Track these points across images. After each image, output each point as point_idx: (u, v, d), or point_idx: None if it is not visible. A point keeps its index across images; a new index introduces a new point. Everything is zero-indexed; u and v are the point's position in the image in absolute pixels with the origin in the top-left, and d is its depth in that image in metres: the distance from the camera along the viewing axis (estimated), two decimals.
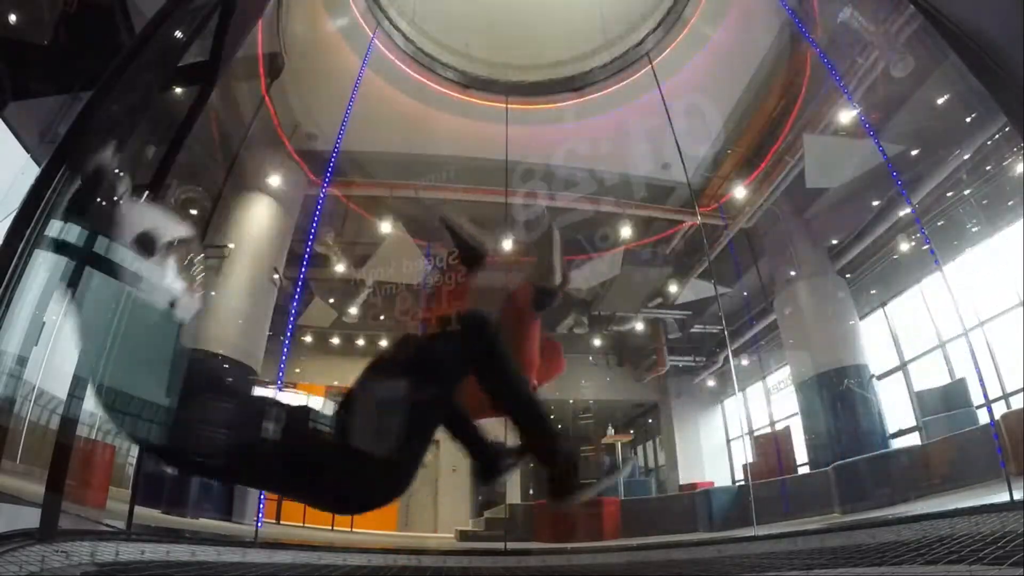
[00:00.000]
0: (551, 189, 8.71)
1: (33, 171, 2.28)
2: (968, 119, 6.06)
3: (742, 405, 11.87)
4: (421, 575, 3.07)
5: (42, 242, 2.17)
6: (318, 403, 1.43)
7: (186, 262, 1.45)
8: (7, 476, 2.90)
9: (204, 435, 1.25)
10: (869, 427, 7.30)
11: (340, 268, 9.83)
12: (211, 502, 6.90)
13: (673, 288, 10.94)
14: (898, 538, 2.51)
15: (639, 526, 6.87)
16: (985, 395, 5.34)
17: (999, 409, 5.86)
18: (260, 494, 5.93)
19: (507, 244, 9.39)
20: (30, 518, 2.32)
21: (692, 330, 12.26)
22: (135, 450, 5.56)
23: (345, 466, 1.35)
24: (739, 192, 8.91)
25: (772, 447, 8.48)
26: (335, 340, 11.55)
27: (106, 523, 3.48)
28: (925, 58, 5.89)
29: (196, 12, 2.98)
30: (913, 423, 7.14)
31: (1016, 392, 6.07)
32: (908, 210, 6.86)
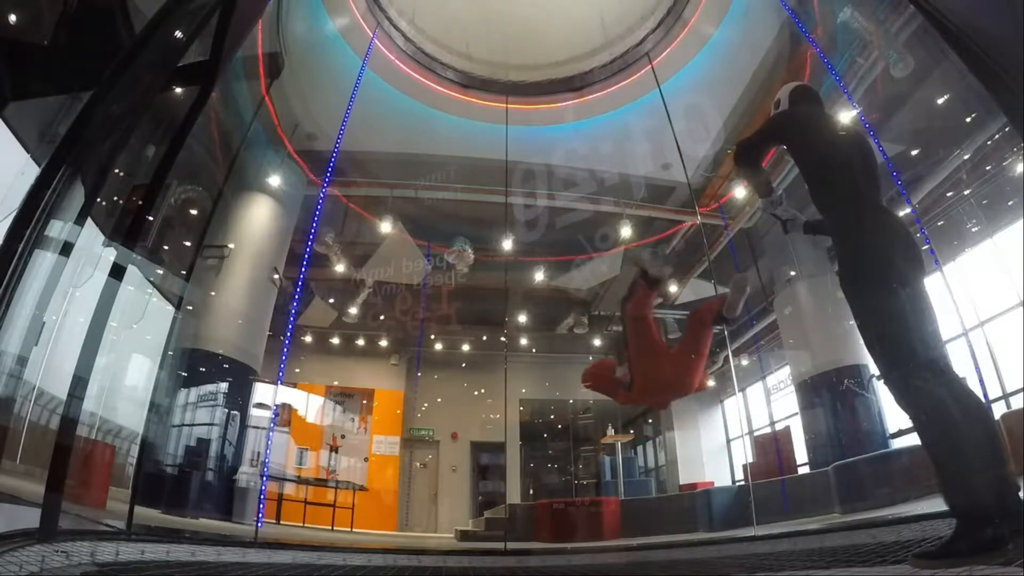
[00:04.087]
0: (551, 189, 8.71)
1: (33, 171, 2.28)
2: (968, 119, 6.06)
3: (742, 405, 11.87)
4: (421, 575, 3.07)
5: (42, 242, 2.17)
6: None
7: None
8: (7, 476, 2.90)
9: None
10: (869, 427, 7.29)
11: (340, 268, 9.84)
12: (211, 502, 6.91)
13: (673, 288, 10.94)
14: (898, 538, 2.51)
15: (639, 526, 6.86)
16: (985, 395, 5.34)
17: (999, 409, 5.86)
18: (260, 494, 5.93)
19: (507, 244, 9.42)
20: (30, 518, 2.32)
21: None
22: (135, 450, 5.58)
23: None
24: (739, 192, 8.91)
25: (772, 447, 8.47)
26: (335, 340, 11.55)
27: (106, 523, 3.48)
28: (925, 58, 5.89)
29: (196, 12, 2.98)
30: None
31: (1016, 392, 6.07)
32: (908, 210, 6.85)
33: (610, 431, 10.02)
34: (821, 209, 2.18)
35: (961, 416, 1.63)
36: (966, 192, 6.78)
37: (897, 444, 7.10)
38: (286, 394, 10.12)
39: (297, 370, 10.76)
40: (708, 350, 2.89)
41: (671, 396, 3.11)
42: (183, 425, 7.10)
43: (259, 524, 5.19)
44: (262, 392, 7.96)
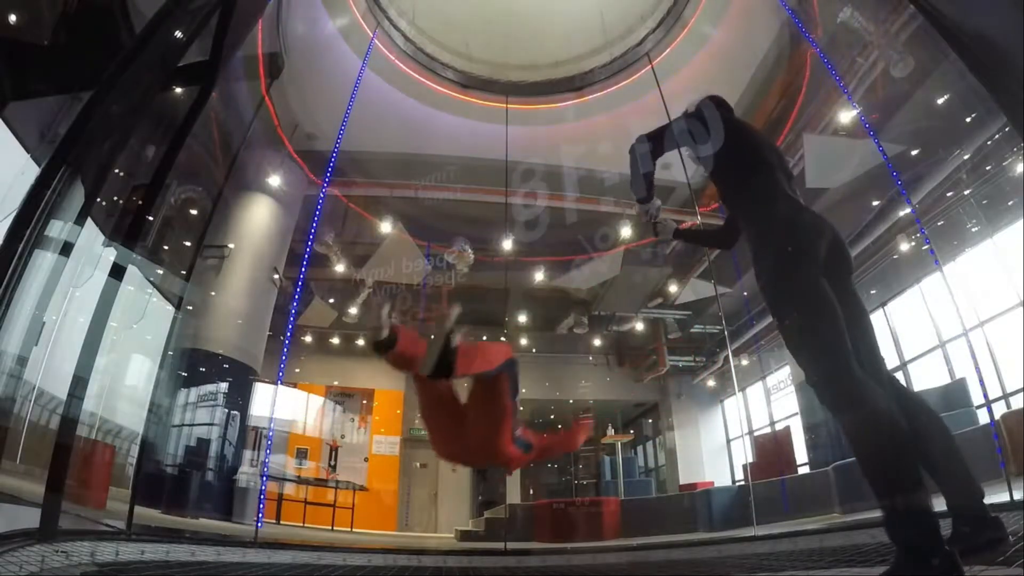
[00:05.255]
0: (551, 189, 8.71)
1: (33, 171, 2.29)
2: (968, 119, 6.06)
3: (742, 405, 11.87)
4: (421, 575, 3.07)
5: (42, 242, 2.17)
6: None
7: None
8: (7, 476, 2.90)
9: None
10: None
11: (340, 268, 9.84)
12: (211, 502, 6.91)
13: (673, 288, 10.94)
14: None
15: (639, 526, 6.86)
16: (985, 395, 5.33)
17: (999, 409, 5.86)
18: (260, 494, 5.92)
19: (507, 244, 9.43)
20: (30, 518, 2.32)
21: (692, 330, 12.26)
22: (135, 450, 5.58)
23: None
24: None
25: (772, 447, 8.47)
26: (335, 340, 11.55)
27: (106, 523, 3.48)
28: (925, 58, 5.89)
29: (196, 12, 2.98)
30: None
31: (1016, 392, 6.07)
32: (908, 210, 6.85)
33: (610, 431, 10.02)
34: (739, 207, 2.10)
35: (888, 431, 1.47)
36: (966, 192, 6.78)
37: None
38: (286, 394, 10.12)
39: (297, 370, 10.76)
40: (502, 410, 2.17)
41: (478, 460, 2.58)
42: (183, 425, 7.10)
43: (259, 524, 5.18)
44: (262, 393, 7.96)
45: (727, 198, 2.18)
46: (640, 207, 2.33)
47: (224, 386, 7.50)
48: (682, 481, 11.27)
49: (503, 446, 2.22)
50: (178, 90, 3.47)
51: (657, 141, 2.18)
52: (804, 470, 7.91)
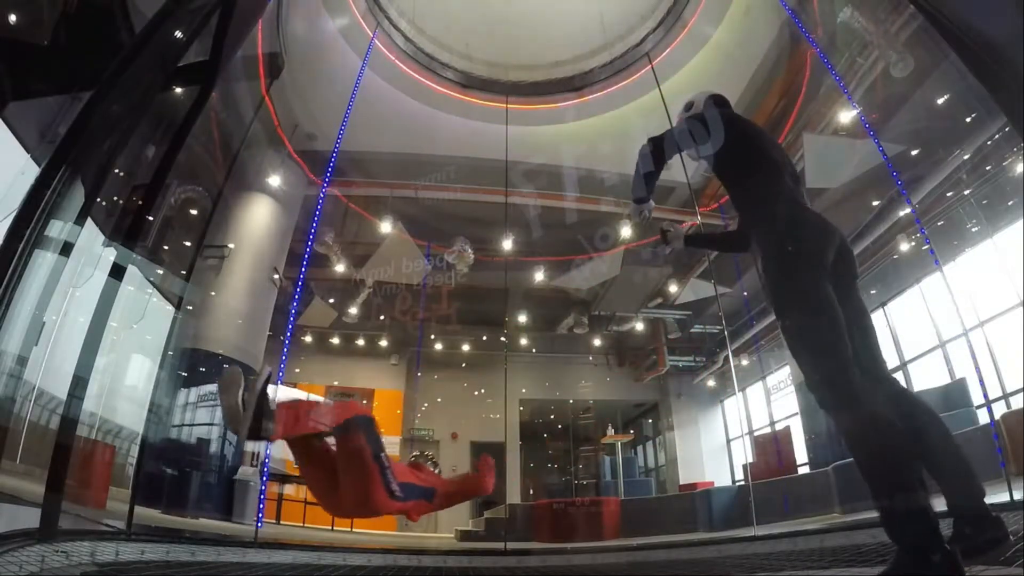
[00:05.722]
0: (551, 189, 8.71)
1: (33, 171, 2.29)
2: (968, 119, 6.06)
3: (742, 405, 11.87)
4: (421, 575, 3.07)
5: (42, 242, 2.17)
6: None
7: None
8: (7, 476, 2.90)
9: None
10: None
11: (340, 268, 9.84)
12: (211, 502, 6.91)
13: (673, 288, 10.94)
14: None
15: (639, 526, 6.86)
16: (985, 395, 5.33)
17: (999, 409, 5.86)
18: (261, 494, 5.92)
19: (507, 244, 9.43)
20: (30, 518, 2.32)
21: (692, 330, 12.26)
22: (135, 450, 5.58)
23: None
24: None
25: (772, 447, 8.46)
26: (335, 340, 11.55)
27: (106, 523, 3.48)
28: (925, 58, 5.89)
29: (196, 12, 2.98)
30: None
31: (1016, 392, 6.07)
32: (908, 210, 6.84)
33: (610, 431, 10.02)
34: (750, 207, 2.09)
35: (883, 435, 1.49)
36: (966, 192, 6.78)
37: None
38: (286, 394, 10.12)
39: (297, 370, 10.76)
40: (362, 470, 2.05)
41: (359, 516, 2.54)
42: (183, 425, 7.10)
43: (259, 524, 5.18)
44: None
45: (734, 198, 2.18)
46: (635, 206, 2.32)
47: None
48: (682, 481, 11.27)
49: (378, 504, 2.10)
50: (178, 90, 3.47)
51: (670, 144, 2.16)
52: (804, 470, 7.91)
